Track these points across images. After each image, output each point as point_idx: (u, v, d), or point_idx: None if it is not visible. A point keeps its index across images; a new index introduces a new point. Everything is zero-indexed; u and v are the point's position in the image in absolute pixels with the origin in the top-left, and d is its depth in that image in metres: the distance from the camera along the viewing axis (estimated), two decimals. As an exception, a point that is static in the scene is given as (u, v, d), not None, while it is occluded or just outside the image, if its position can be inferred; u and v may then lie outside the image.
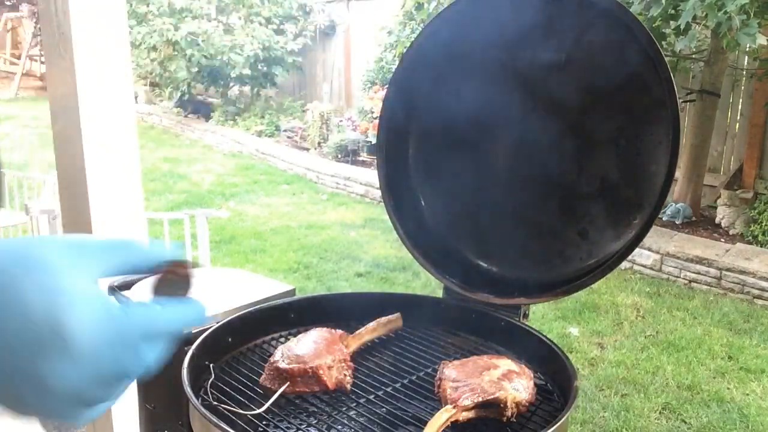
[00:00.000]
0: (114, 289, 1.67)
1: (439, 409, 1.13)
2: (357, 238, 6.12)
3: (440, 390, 1.20)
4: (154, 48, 10.64)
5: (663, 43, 5.06)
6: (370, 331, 1.46)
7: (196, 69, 10.54)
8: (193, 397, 1.13)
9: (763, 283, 4.67)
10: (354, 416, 1.21)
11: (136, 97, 12.11)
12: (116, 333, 0.52)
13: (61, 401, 0.51)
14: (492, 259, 1.64)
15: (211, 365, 1.29)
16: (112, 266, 0.57)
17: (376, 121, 5.85)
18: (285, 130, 9.82)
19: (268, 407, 1.18)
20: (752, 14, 4.26)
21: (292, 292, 1.68)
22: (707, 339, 4.11)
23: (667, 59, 1.28)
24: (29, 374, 0.49)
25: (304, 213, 6.93)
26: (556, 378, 1.32)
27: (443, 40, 1.56)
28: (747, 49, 4.93)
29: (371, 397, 1.27)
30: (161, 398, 1.55)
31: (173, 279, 0.59)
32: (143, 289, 1.60)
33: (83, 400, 0.52)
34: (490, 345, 1.48)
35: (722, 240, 5.53)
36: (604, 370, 3.73)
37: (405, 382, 1.33)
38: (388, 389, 1.30)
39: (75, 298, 0.50)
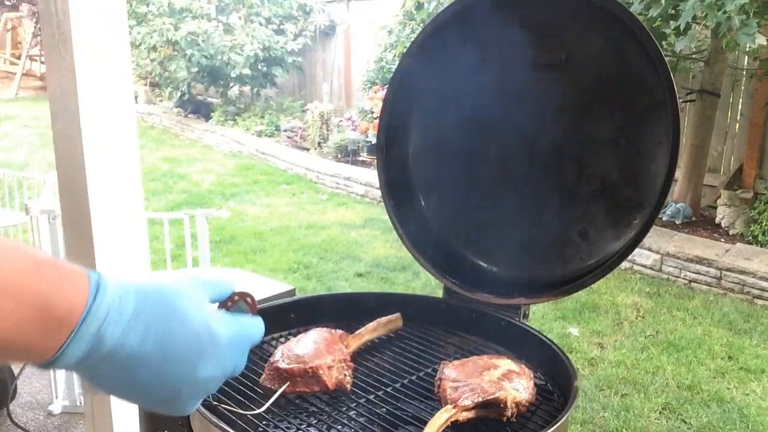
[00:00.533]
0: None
1: (439, 409, 1.13)
2: (357, 238, 6.11)
3: (440, 390, 1.20)
4: (154, 48, 10.64)
5: (663, 43, 5.06)
6: (370, 331, 1.46)
7: (196, 69, 10.53)
8: (193, 397, 1.13)
9: (763, 283, 4.67)
10: (354, 416, 1.21)
11: (136, 97, 12.10)
12: (240, 339, 0.73)
13: (197, 397, 0.69)
14: (492, 259, 1.64)
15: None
16: (211, 295, 0.75)
17: (376, 121, 5.83)
18: (285, 130, 9.82)
19: (268, 407, 1.18)
20: (752, 14, 4.26)
21: (292, 292, 1.69)
22: (707, 339, 4.11)
23: (667, 59, 1.28)
24: (189, 376, 0.66)
25: (304, 213, 6.93)
26: (556, 378, 1.32)
27: (443, 40, 1.56)
28: (747, 49, 4.92)
29: (371, 397, 1.27)
30: (161, 398, 1.55)
31: (241, 304, 0.81)
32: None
33: (206, 394, 0.71)
34: (490, 345, 1.48)
35: (722, 240, 5.53)
36: (604, 370, 3.73)
37: (405, 382, 1.33)
38: (388, 389, 1.30)
39: (217, 317, 0.70)
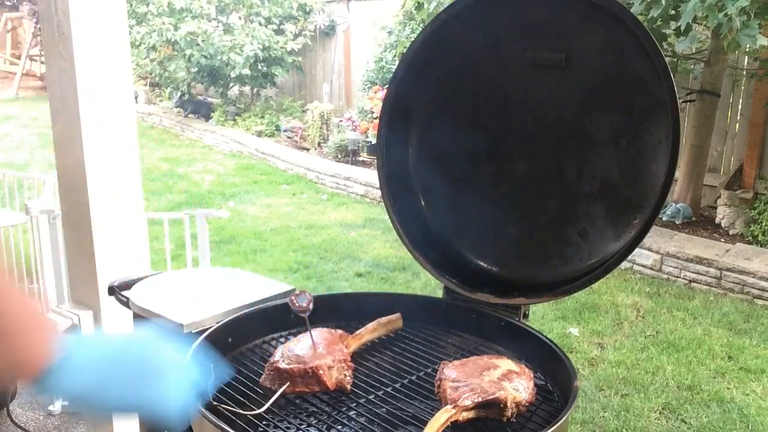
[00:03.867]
0: (114, 289, 1.67)
1: (439, 409, 1.13)
2: (357, 238, 6.11)
3: (440, 390, 1.21)
4: (154, 48, 10.63)
5: (663, 43, 5.06)
6: (370, 332, 1.46)
7: (196, 69, 10.52)
8: (193, 397, 1.13)
9: (763, 283, 4.67)
10: (354, 416, 1.21)
11: (136, 97, 12.08)
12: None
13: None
14: (492, 259, 1.65)
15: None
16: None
17: (376, 121, 5.82)
18: (285, 130, 9.81)
19: (268, 407, 1.18)
20: (752, 15, 4.25)
21: (291, 292, 1.68)
22: (707, 339, 4.11)
23: (667, 59, 1.28)
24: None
25: (304, 213, 6.93)
26: (556, 378, 1.33)
27: (443, 40, 1.56)
28: (747, 50, 4.92)
29: (371, 397, 1.27)
30: (161, 398, 1.54)
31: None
32: (141, 289, 1.60)
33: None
34: (490, 345, 1.48)
35: (722, 240, 5.53)
36: (604, 370, 3.73)
37: (405, 382, 1.33)
38: (388, 389, 1.30)
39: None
